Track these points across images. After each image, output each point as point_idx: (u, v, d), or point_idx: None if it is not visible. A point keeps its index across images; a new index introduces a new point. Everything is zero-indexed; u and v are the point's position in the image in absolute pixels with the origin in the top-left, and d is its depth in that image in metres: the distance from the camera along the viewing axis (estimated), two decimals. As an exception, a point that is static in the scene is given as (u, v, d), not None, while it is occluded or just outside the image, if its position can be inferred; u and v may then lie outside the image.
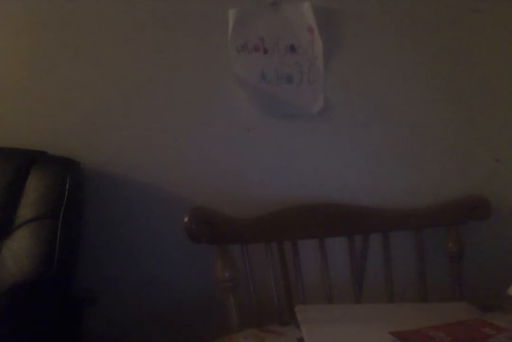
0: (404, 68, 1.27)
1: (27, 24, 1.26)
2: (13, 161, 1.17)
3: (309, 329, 0.97)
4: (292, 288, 1.20)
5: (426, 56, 1.26)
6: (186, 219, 1.09)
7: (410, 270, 1.27)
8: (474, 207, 1.24)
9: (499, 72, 1.28)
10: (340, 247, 1.23)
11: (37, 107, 1.28)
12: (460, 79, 1.27)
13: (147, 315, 1.31)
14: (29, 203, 1.11)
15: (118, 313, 1.30)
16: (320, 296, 1.19)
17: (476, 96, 1.28)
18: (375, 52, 1.26)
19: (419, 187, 1.30)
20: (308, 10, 1.22)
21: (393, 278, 1.23)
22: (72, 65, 1.27)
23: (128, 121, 1.28)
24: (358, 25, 1.25)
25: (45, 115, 1.29)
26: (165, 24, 1.25)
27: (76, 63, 1.27)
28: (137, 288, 1.31)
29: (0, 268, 1.06)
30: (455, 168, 1.30)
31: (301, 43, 1.24)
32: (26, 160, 1.17)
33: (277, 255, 1.19)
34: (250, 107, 1.26)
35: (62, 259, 1.08)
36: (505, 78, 1.28)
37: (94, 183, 1.26)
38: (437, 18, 1.25)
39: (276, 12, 1.23)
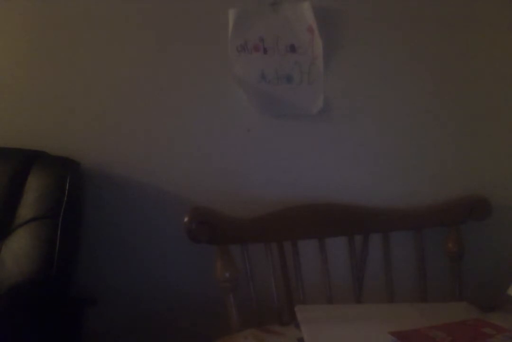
0: (404, 68, 1.27)
1: (27, 25, 1.26)
2: (13, 161, 1.17)
3: (309, 329, 0.97)
4: (292, 288, 1.20)
5: (426, 56, 1.26)
6: (186, 219, 1.09)
7: (410, 270, 1.27)
8: (474, 207, 1.24)
9: (499, 72, 1.28)
10: (340, 247, 1.23)
11: (37, 107, 1.28)
12: (460, 79, 1.27)
13: (147, 315, 1.31)
14: (29, 203, 1.12)
15: (118, 313, 1.30)
16: (320, 296, 1.19)
17: (476, 96, 1.28)
18: (375, 52, 1.26)
19: (419, 187, 1.30)
20: (308, 10, 1.22)
21: (393, 278, 1.23)
22: (72, 65, 1.27)
23: (128, 121, 1.28)
24: (358, 25, 1.25)
25: (45, 115, 1.29)
26: (165, 24, 1.25)
27: (76, 63, 1.27)
28: (137, 288, 1.31)
29: (0, 268, 1.07)
30: (455, 168, 1.30)
31: (301, 43, 1.24)
32: (26, 160, 1.17)
33: (277, 255, 1.19)
34: (250, 107, 1.26)
35: (62, 259, 1.08)
36: (505, 78, 1.28)
37: (94, 183, 1.26)
38: (437, 18, 1.25)
39: (276, 12, 1.23)
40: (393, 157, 1.30)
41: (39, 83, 1.28)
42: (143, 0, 1.24)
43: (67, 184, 1.13)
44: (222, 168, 1.29)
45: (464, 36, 1.26)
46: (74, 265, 1.15)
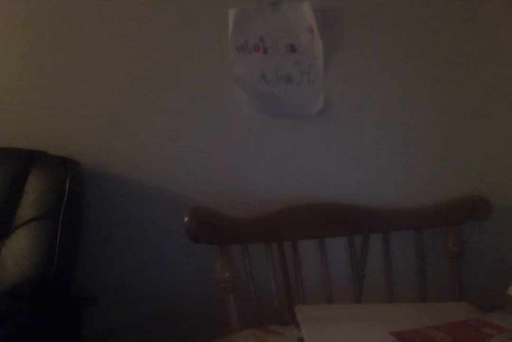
0: (404, 68, 1.27)
1: (27, 24, 1.26)
2: (13, 161, 1.17)
3: (309, 329, 0.97)
4: (292, 288, 1.20)
5: (426, 56, 1.26)
6: (186, 219, 1.09)
7: (410, 270, 1.27)
8: (474, 207, 1.24)
9: (499, 72, 1.28)
10: (340, 247, 1.23)
11: (37, 107, 1.29)
12: (460, 80, 1.27)
13: (147, 315, 1.32)
14: (29, 203, 1.12)
15: (118, 313, 1.30)
16: (320, 296, 1.19)
17: (476, 97, 1.28)
18: (375, 52, 1.26)
19: (419, 187, 1.30)
20: (308, 10, 1.22)
21: (393, 278, 1.23)
22: (72, 65, 1.27)
23: (128, 121, 1.28)
24: (358, 25, 1.25)
25: (45, 115, 1.29)
26: (165, 24, 1.25)
27: (76, 63, 1.27)
28: (137, 288, 1.31)
29: (0, 268, 1.07)
30: (455, 168, 1.30)
31: (301, 43, 1.24)
32: (26, 160, 1.17)
33: (277, 255, 1.19)
34: (250, 107, 1.26)
35: (62, 258, 1.08)
36: (505, 78, 1.28)
37: (94, 183, 1.26)
38: (437, 18, 1.25)
39: (276, 12, 1.23)
40: (393, 157, 1.30)
41: (39, 83, 1.28)
42: (143, 0, 1.24)
43: (67, 184, 1.13)
44: (222, 168, 1.29)
45: (464, 36, 1.26)
46: (74, 265, 1.15)
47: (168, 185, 1.29)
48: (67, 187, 1.13)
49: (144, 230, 1.30)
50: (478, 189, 1.28)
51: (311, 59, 1.24)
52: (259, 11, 1.23)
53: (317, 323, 1.00)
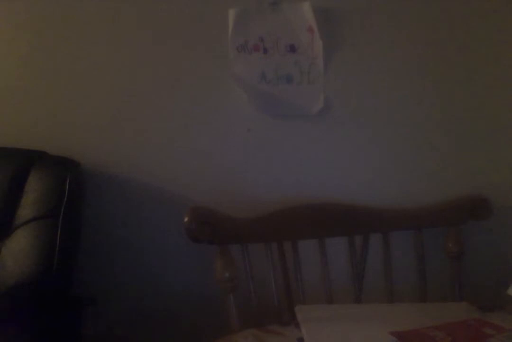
0: (404, 68, 1.27)
1: (27, 25, 1.26)
2: (13, 161, 1.17)
3: (309, 329, 0.97)
4: (292, 288, 1.20)
5: (426, 56, 1.26)
6: (186, 219, 1.09)
7: (410, 270, 1.27)
8: (474, 207, 1.24)
9: (498, 73, 1.28)
10: (340, 247, 1.23)
11: (37, 107, 1.29)
12: (460, 79, 1.27)
13: (147, 315, 1.32)
14: (29, 203, 1.12)
15: (118, 313, 1.30)
16: (320, 296, 1.19)
17: (476, 97, 1.28)
18: (375, 52, 1.26)
19: (419, 187, 1.30)
20: (308, 10, 1.22)
21: (393, 278, 1.23)
22: (72, 65, 1.27)
23: (128, 121, 1.28)
24: (358, 25, 1.25)
25: (45, 115, 1.29)
26: (165, 24, 1.25)
27: (77, 63, 1.27)
28: (137, 288, 1.31)
29: (0, 268, 1.07)
30: (455, 168, 1.30)
31: (301, 43, 1.24)
32: (26, 160, 1.17)
33: (277, 255, 1.19)
34: (250, 107, 1.26)
35: (62, 258, 1.08)
36: (505, 78, 1.28)
37: (94, 183, 1.26)
38: (438, 18, 1.25)
39: (276, 12, 1.23)
40: (393, 157, 1.30)
41: (39, 83, 1.28)
42: (143, 0, 1.24)
43: (67, 184, 1.13)
44: (222, 168, 1.29)
45: (464, 36, 1.26)
46: (74, 265, 1.15)
47: (168, 185, 1.29)
48: (67, 187, 1.13)
49: (144, 230, 1.30)
50: (478, 189, 1.28)
51: (311, 59, 1.24)
52: (259, 11, 1.23)
53: (317, 323, 1.00)
